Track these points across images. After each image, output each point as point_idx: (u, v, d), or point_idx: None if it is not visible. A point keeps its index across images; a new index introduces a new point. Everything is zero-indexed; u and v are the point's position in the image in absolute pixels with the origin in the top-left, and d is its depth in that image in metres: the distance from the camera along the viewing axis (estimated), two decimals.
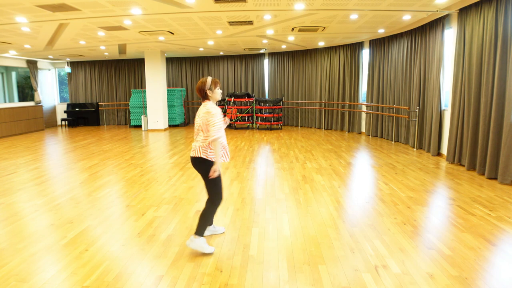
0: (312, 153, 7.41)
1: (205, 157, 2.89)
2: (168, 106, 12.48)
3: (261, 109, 11.51)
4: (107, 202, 4.38)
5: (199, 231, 2.96)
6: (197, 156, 2.90)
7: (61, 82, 14.84)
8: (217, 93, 2.96)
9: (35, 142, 9.57)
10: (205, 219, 2.98)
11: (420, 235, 3.27)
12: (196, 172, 5.85)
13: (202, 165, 2.91)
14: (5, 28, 7.09)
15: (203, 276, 2.62)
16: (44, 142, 9.66)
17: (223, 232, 3.40)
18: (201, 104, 3.09)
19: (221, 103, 12.27)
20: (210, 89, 2.92)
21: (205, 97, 2.95)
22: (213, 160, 2.90)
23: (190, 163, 6.51)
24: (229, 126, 12.38)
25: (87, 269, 2.73)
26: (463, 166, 5.97)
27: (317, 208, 4.05)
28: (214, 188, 2.95)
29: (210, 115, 2.82)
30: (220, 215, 3.85)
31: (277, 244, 3.12)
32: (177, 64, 13.67)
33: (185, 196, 4.58)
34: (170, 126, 12.81)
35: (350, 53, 10.42)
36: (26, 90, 12.92)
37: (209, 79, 2.94)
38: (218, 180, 2.96)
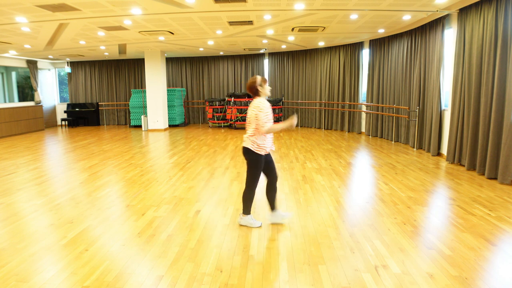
0: (312, 153, 7.41)
1: (251, 148, 3.28)
2: (168, 106, 12.49)
3: None
4: (107, 202, 4.38)
5: (245, 210, 3.50)
6: (245, 146, 3.33)
7: (61, 82, 14.84)
8: (267, 89, 3.32)
9: (35, 142, 9.57)
10: (246, 199, 3.44)
11: (420, 235, 3.27)
12: (196, 172, 5.86)
13: (247, 154, 3.32)
14: (5, 28, 7.09)
15: (203, 276, 2.62)
16: (44, 142, 9.66)
17: (291, 215, 3.71)
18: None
19: (221, 103, 12.28)
20: (260, 85, 3.27)
21: (256, 93, 3.30)
22: (258, 152, 3.27)
23: (190, 163, 6.52)
24: (229, 126, 12.39)
25: (87, 269, 2.73)
26: (463, 166, 5.97)
27: (317, 208, 4.05)
28: (253, 174, 3.35)
29: (259, 109, 3.20)
30: (220, 215, 3.85)
31: (277, 244, 3.12)
32: (177, 64, 13.67)
33: (185, 196, 4.58)
34: (170, 126, 12.81)
35: (350, 53, 10.42)
36: (26, 90, 12.92)
37: (259, 77, 3.32)
38: (259, 168, 3.33)
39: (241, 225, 3.54)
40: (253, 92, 3.30)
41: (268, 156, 3.45)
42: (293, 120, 3.24)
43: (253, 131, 3.27)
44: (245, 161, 6.15)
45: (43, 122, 12.73)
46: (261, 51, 12.48)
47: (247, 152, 3.32)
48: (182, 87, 13.74)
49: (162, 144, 8.87)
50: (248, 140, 3.31)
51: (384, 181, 5.14)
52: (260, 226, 3.51)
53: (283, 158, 6.90)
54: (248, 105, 11.65)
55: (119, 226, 3.59)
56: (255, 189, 3.43)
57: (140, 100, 12.71)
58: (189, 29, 7.81)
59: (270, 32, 8.34)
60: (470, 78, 5.67)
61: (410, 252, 2.93)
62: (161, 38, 8.85)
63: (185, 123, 13.42)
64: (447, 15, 6.42)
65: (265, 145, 3.31)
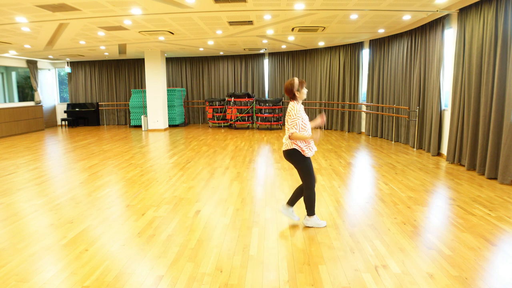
0: None
1: (296, 148, 3.24)
2: (168, 106, 12.49)
3: (261, 109, 11.52)
4: (107, 202, 4.38)
5: (310, 212, 3.45)
6: (287, 149, 3.30)
7: (61, 82, 14.84)
8: (304, 94, 3.28)
9: (35, 142, 9.57)
10: (309, 201, 3.40)
11: (420, 235, 3.27)
12: (196, 172, 5.86)
13: (292, 156, 3.29)
14: (5, 28, 7.09)
15: (203, 276, 2.62)
16: (44, 142, 9.66)
17: (298, 220, 3.62)
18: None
19: (221, 103, 12.28)
20: (298, 90, 3.24)
21: (293, 97, 3.27)
22: (302, 154, 3.24)
23: (190, 163, 6.52)
24: (229, 126, 12.39)
25: (87, 269, 2.73)
26: (463, 166, 5.97)
27: (317, 208, 4.04)
28: (306, 174, 3.31)
29: (288, 114, 3.23)
30: (220, 215, 3.85)
31: (277, 244, 3.12)
32: (177, 64, 13.67)
33: (185, 196, 4.58)
34: (170, 126, 12.81)
35: (350, 53, 10.42)
36: (26, 90, 12.92)
37: (297, 80, 3.24)
38: (309, 166, 3.31)
39: (307, 227, 3.49)
40: (290, 95, 3.27)
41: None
42: (318, 134, 3.19)
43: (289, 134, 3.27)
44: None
45: (43, 122, 12.73)
46: (261, 51, 12.48)
47: (290, 154, 3.29)
48: (182, 87, 13.74)
49: (162, 144, 8.87)
50: (288, 142, 3.28)
51: (384, 181, 5.14)
52: (325, 226, 3.50)
53: (283, 158, 6.91)
54: (247, 105, 11.66)
55: (119, 226, 3.59)
56: (314, 187, 3.38)
57: (140, 100, 12.71)
58: (189, 29, 7.81)
59: (270, 32, 8.35)
60: (470, 78, 5.67)
61: (410, 252, 2.93)
62: (161, 38, 8.85)
63: (185, 123, 13.42)
64: (447, 15, 6.42)
65: (308, 147, 3.26)
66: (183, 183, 5.18)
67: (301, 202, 4.22)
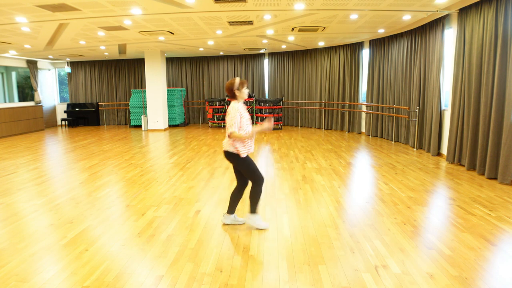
0: (312, 153, 7.41)
1: (233, 151, 3.25)
2: (168, 106, 12.48)
3: (261, 109, 11.51)
4: (107, 202, 4.38)
5: (253, 209, 3.45)
6: (226, 150, 3.31)
7: (61, 82, 14.84)
8: (244, 93, 3.29)
9: (35, 142, 9.57)
10: (254, 197, 3.39)
11: (420, 235, 3.27)
12: (196, 172, 5.86)
13: (231, 157, 3.30)
14: (5, 28, 7.09)
15: (203, 276, 2.62)
16: (44, 142, 9.66)
17: (243, 223, 3.59)
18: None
19: (221, 103, 12.28)
20: (238, 89, 3.25)
21: (233, 96, 3.28)
22: (240, 154, 3.23)
23: (190, 163, 6.52)
24: None
25: (87, 269, 2.73)
26: (463, 166, 5.97)
27: (317, 208, 4.04)
28: (250, 171, 3.31)
29: (228, 113, 3.22)
30: (220, 215, 3.85)
31: (277, 244, 3.12)
32: (177, 64, 13.67)
33: (185, 196, 4.58)
34: (170, 126, 12.81)
35: (350, 53, 10.42)
36: (26, 90, 12.92)
37: (238, 79, 3.27)
38: (250, 164, 3.30)
39: (249, 225, 3.51)
40: (231, 95, 3.29)
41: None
42: (268, 125, 3.16)
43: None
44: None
45: (43, 122, 12.73)
46: (261, 51, 12.48)
47: (228, 155, 3.30)
48: (182, 87, 13.74)
49: (162, 144, 8.87)
50: (227, 143, 3.28)
51: (384, 181, 5.14)
52: (267, 229, 3.47)
53: (283, 158, 6.90)
54: (247, 105, 11.66)
55: (119, 226, 3.59)
56: (262, 183, 3.36)
57: (140, 100, 12.71)
58: (189, 29, 7.81)
59: (270, 32, 8.34)
60: (470, 78, 5.67)
61: (410, 252, 2.93)
62: (161, 38, 8.85)
63: (185, 123, 13.42)
64: (447, 15, 6.42)
65: (245, 147, 3.27)
66: (183, 183, 5.18)
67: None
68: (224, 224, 3.60)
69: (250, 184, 3.49)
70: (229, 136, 3.20)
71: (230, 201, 3.53)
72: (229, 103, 11.63)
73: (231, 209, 3.56)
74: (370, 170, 5.82)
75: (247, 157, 3.31)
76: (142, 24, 7.11)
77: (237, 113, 3.18)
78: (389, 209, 3.96)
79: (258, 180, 3.34)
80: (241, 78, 13.04)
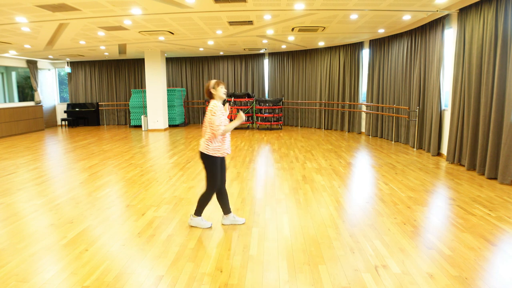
0: (312, 153, 7.41)
1: (206, 152, 3.32)
2: (168, 106, 12.48)
3: (261, 109, 11.52)
4: (107, 202, 4.38)
5: (198, 211, 3.51)
6: (200, 150, 3.37)
7: (61, 82, 14.84)
8: (220, 91, 3.34)
9: (35, 142, 9.57)
10: (203, 201, 3.45)
11: (420, 235, 3.27)
12: (196, 172, 5.86)
13: (203, 158, 3.37)
14: (5, 28, 7.09)
15: (203, 276, 2.62)
16: (44, 142, 9.66)
17: (243, 223, 3.61)
18: (205, 104, 3.37)
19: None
20: (213, 87, 3.32)
21: (210, 96, 3.37)
22: (213, 155, 3.31)
23: (190, 163, 6.52)
24: None
25: (87, 269, 2.73)
26: (463, 166, 5.97)
27: (317, 208, 4.04)
28: (211, 178, 3.38)
29: (212, 113, 3.26)
30: (220, 215, 3.85)
31: (277, 244, 3.12)
32: (177, 64, 13.67)
33: (185, 196, 4.58)
34: (170, 126, 12.81)
35: (350, 53, 10.42)
36: (26, 90, 12.92)
37: (213, 80, 3.37)
38: (215, 168, 3.36)
39: (191, 226, 3.54)
40: (208, 95, 3.38)
41: (222, 160, 3.47)
42: (241, 114, 3.27)
43: (210, 135, 3.31)
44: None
45: (43, 122, 12.73)
46: (261, 51, 12.48)
47: (202, 156, 3.35)
48: (182, 87, 13.74)
49: (162, 144, 8.87)
50: (204, 144, 3.34)
51: (384, 181, 5.14)
52: (211, 227, 3.52)
53: (283, 158, 6.91)
54: (248, 105, 11.66)
55: (119, 226, 3.59)
56: (213, 192, 3.43)
57: (140, 100, 12.71)
58: (189, 29, 7.81)
59: (270, 32, 8.34)
60: (470, 78, 5.67)
61: (410, 252, 2.93)
62: (161, 38, 8.85)
63: (185, 123, 13.42)
64: (447, 15, 6.42)
65: (220, 148, 3.34)
66: (183, 183, 5.18)
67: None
68: (223, 225, 3.60)
69: (224, 183, 3.55)
70: (221, 134, 3.24)
71: (220, 204, 3.58)
72: (229, 103, 11.70)
73: (226, 210, 3.58)
74: (370, 170, 5.82)
75: (217, 161, 3.35)
76: (142, 24, 7.11)
77: (218, 110, 3.26)
78: (389, 209, 3.96)
79: (213, 187, 3.40)
80: (244, 79, 13.04)
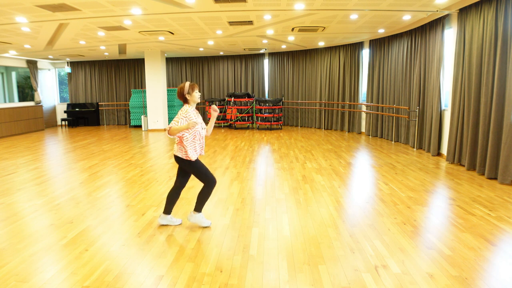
0: (312, 153, 7.41)
1: (181, 156, 3.30)
2: (168, 106, 12.49)
3: (261, 109, 11.52)
4: (107, 202, 4.38)
5: (198, 208, 3.48)
6: (175, 154, 3.35)
7: (61, 82, 14.84)
8: (195, 96, 3.27)
9: (35, 142, 9.57)
10: (203, 198, 3.42)
11: (420, 235, 3.27)
12: None
13: (181, 162, 3.34)
14: (5, 28, 7.09)
15: (203, 276, 2.62)
16: (44, 142, 9.66)
17: (180, 224, 3.62)
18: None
19: (221, 103, 12.28)
20: (188, 93, 3.25)
21: (185, 101, 3.29)
22: (188, 159, 3.27)
23: None
24: (229, 126, 12.39)
25: (87, 269, 2.73)
26: (463, 166, 5.97)
27: (317, 208, 4.05)
28: (201, 175, 3.35)
29: (175, 117, 3.21)
30: (220, 215, 3.85)
31: (277, 244, 3.12)
32: (177, 64, 13.67)
33: (185, 196, 4.58)
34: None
35: (350, 53, 10.42)
36: (26, 90, 12.92)
37: (187, 83, 3.26)
38: (201, 167, 3.34)
39: (191, 223, 3.57)
40: (182, 99, 3.30)
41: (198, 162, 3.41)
42: (213, 108, 3.25)
43: (179, 139, 3.28)
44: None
45: (43, 122, 12.73)
46: (261, 51, 12.48)
47: (179, 160, 3.32)
48: None
49: (162, 144, 8.87)
50: (177, 148, 3.31)
51: (384, 181, 5.14)
52: (209, 226, 3.53)
53: (283, 158, 6.91)
54: (247, 105, 11.66)
55: (119, 226, 3.59)
56: (213, 185, 3.39)
57: (140, 100, 12.71)
58: (189, 29, 7.81)
59: (270, 32, 8.34)
60: (470, 78, 5.67)
61: (410, 252, 2.93)
62: (161, 38, 8.85)
63: None
64: (447, 15, 6.42)
65: (192, 154, 3.27)
66: None
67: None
68: (161, 225, 3.58)
69: (190, 185, 3.54)
70: (168, 133, 3.15)
71: (166, 201, 3.52)
72: (229, 103, 11.71)
73: (168, 210, 3.54)
74: (370, 170, 5.82)
75: (197, 161, 3.33)
76: (142, 24, 7.11)
77: (185, 114, 3.18)
78: (389, 209, 3.96)
79: (209, 182, 3.37)
80: (244, 79, 13.04)
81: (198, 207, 3.49)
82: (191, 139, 3.27)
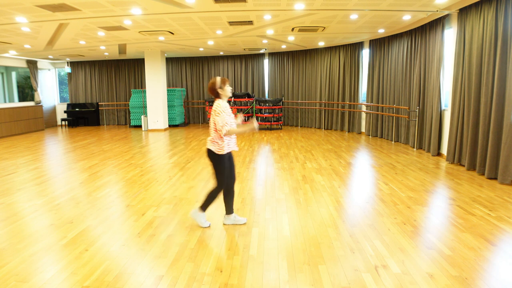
0: (312, 153, 7.41)
1: (213, 150, 3.30)
2: (168, 106, 12.48)
3: (261, 109, 11.52)
4: (107, 202, 4.38)
5: (204, 207, 3.49)
6: (208, 148, 3.36)
7: (61, 82, 14.84)
8: (227, 90, 3.30)
9: (35, 142, 9.57)
10: (210, 197, 3.45)
11: (420, 235, 3.27)
12: (196, 172, 5.85)
13: (210, 157, 3.36)
14: (5, 28, 7.09)
15: (203, 276, 2.62)
16: (44, 142, 9.66)
17: (245, 223, 3.61)
18: (205, 104, 3.33)
19: None
20: (220, 87, 3.27)
21: (216, 95, 3.31)
22: (219, 153, 3.29)
23: (190, 163, 6.52)
24: None
25: (87, 269, 2.73)
26: (463, 166, 5.97)
27: (317, 208, 4.05)
28: (218, 176, 3.38)
29: (216, 113, 3.22)
30: (220, 215, 3.85)
31: (277, 244, 3.12)
32: (177, 64, 13.67)
33: (185, 196, 4.58)
34: (170, 126, 12.81)
35: (350, 53, 10.42)
36: (26, 90, 12.92)
37: (219, 78, 3.30)
38: (222, 170, 3.36)
39: (192, 220, 3.61)
40: (214, 94, 3.32)
41: (230, 158, 3.46)
42: (254, 123, 3.27)
43: (215, 135, 3.31)
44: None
45: (43, 122, 12.73)
46: (261, 51, 12.48)
47: (209, 154, 3.35)
48: (182, 87, 13.74)
49: (162, 144, 8.87)
50: (210, 142, 3.34)
51: (384, 181, 5.14)
52: (209, 227, 3.53)
53: (283, 158, 6.91)
54: (248, 105, 11.66)
55: (119, 226, 3.59)
56: (221, 190, 3.43)
57: (140, 100, 12.71)
58: (189, 29, 7.81)
59: (270, 32, 8.34)
60: (470, 78, 5.67)
61: (410, 252, 2.93)
62: (161, 38, 8.85)
63: (185, 123, 13.42)
64: (447, 15, 6.42)
65: (226, 146, 3.32)
66: (183, 183, 5.18)
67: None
68: (224, 224, 3.60)
69: (235, 183, 3.55)
70: (225, 135, 3.21)
71: (224, 202, 3.57)
72: (229, 103, 11.70)
73: (229, 210, 3.58)
74: (370, 170, 5.82)
75: (225, 160, 3.36)
76: (142, 24, 7.11)
77: (223, 111, 3.22)
78: (389, 209, 3.96)
79: (221, 184, 3.40)
80: (244, 79, 13.04)
81: (204, 206, 3.49)
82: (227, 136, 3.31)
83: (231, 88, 3.36)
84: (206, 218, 3.66)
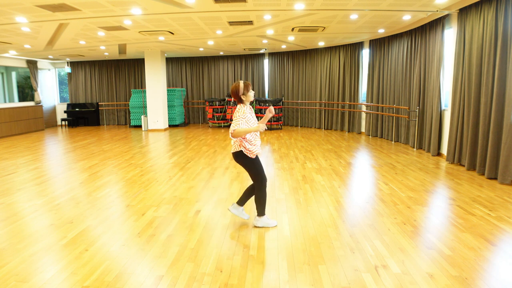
0: (312, 153, 7.41)
1: (243, 151, 3.30)
2: (168, 106, 12.48)
3: (261, 109, 11.51)
4: (107, 202, 4.38)
5: (260, 212, 3.49)
6: (234, 151, 3.36)
7: (61, 82, 14.84)
8: (251, 96, 3.32)
9: (35, 142, 9.57)
10: (260, 201, 3.45)
11: (420, 235, 3.27)
12: (196, 172, 5.85)
13: (240, 158, 3.35)
14: (5, 28, 7.09)
15: (203, 276, 2.62)
16: (44, 142, 9.66)
17: (247, 219, 3.64)
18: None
19: (221, 103, 12.28)
20: (243, 94, 3.29)
21: (240, 100, 3.32)
22: (246, 153, 3.29)
23: (190, 163, 6.52)
24: (229, 126, 12.38)
25: (87, 269, 2.73)
26: (463, 166, 5.97)
27: (317, 208, 4.05)
28: (256, 174, 3.38)
29: (235, 118, 3.25)
30: (220, 215, 3.85)
31: (277, 244, 3.12)
32: (177, 64, 13.67)
33: (185, 196, 4.58)
34: (170, 126, 12.81)
35: (350, 53, 10.42)
36: (26, 90, 12.92)
37: (242, 83, 3.30)
38: (258, 167, 3.36)
39: (256, 227, 3.51)
40: (237, 99, 3.34)
41: (257, 157, 3.45)
42: (261, 126, 3.22)
43: (238, 138, 3.32)
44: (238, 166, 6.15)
45: (43, 122, 12.73)
46: (261, 51, 12.48)
47: (239, 156, 3.34)
48: (182, 87, 13.74)
49: (162, 144, 8.87)
50: (236, 145, 3.35)
51: (384, 181, 5.14)
52: (276, 226, 3.53)
53: (283, 158, 6.90)
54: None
55: (119, 226, 3.59)
56: (265, 188, 3.43)
57: (140, 100, 12.71)
58: (189, 29, 7.81)
59: (270, 32, 8.34)
60: (470, 78, 5.67)
61: (410, 252, 2.93)
62: (161, 38, 8.85)
63: (185, 123, 13.42)
64: (447, 15, 6.42)
65: (253, 148, 3.32)
66: (183, 183, 5.18)
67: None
68: (228, 210, 3.61)
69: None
70: (232, 135, 3.22)
71: (243, 194, 3.58)
72: (229, 103, 11.70)
73: (242, 202, 3.57)
74: (370, 170, 5.82)
75: (256, 159, 3.37)
76: (142, 24, 7.11)
77: (243, 115, 3.23)
78: (389, 209, 3.96)
79: (261, 183, 3.40)
80: (244, 79, 13.04)
81: (260, 211, 3.48)
82: (250, 137, 3.30)
83: (253, 91, 3.38)
84: (269, 216, 3.73)
